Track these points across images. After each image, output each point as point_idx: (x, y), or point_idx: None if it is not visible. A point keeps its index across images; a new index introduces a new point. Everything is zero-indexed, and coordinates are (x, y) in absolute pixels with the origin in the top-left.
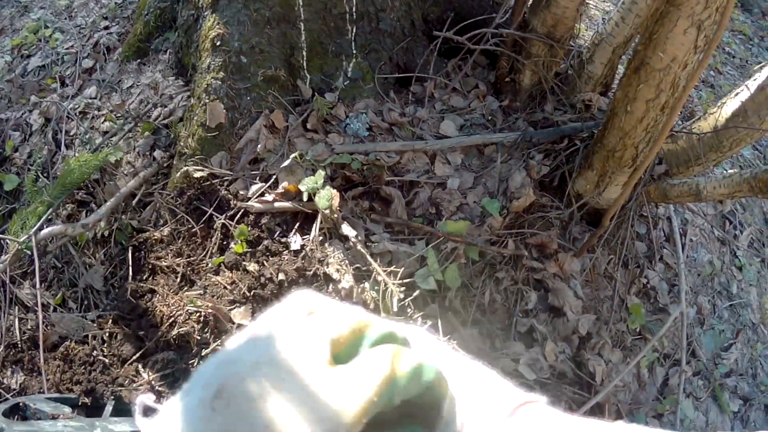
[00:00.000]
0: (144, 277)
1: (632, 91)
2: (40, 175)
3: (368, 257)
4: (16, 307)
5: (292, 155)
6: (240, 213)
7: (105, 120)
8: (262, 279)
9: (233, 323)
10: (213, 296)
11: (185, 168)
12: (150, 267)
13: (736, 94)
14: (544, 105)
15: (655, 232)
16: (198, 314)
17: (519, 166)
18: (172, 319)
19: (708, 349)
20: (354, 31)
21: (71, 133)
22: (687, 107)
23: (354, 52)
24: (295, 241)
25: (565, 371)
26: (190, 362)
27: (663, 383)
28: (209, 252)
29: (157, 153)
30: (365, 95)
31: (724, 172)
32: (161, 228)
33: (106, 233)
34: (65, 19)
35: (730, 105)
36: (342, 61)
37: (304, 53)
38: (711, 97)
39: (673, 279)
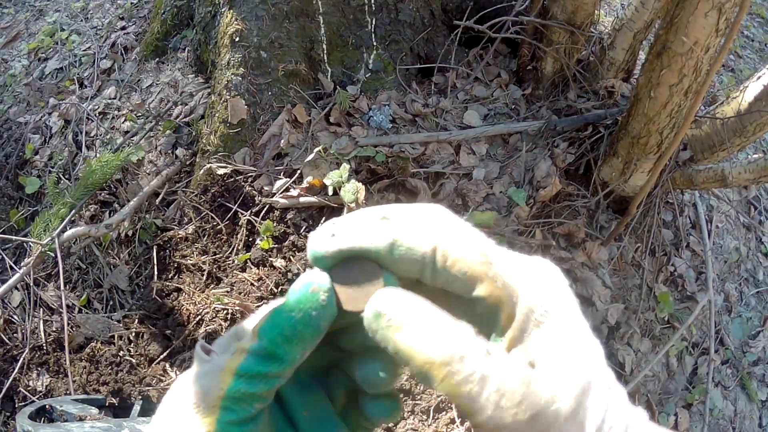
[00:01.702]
0: (169, 276)
1: (655, 76)
2: (61, 177)
3: None
4: (41, 310)
5: (316, 149)
6: (265, 209)
7: (125, 120)
8: (289, 275)
9: None
10: (240, 293)
11: (208, 165)
12: (175, 265)
13: (758, 78)
14: (567, 92)
15: (681, 219)
16: (225, 312)
17: (544, 154)
18: (199, 317)
19: (736, 337)
20: (373, 22)
21: (92, 134)
22: (709, 92)
23: (374, 43)
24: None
25: None
26: None
27: (692, 372)
28: (235, 249)
29: (179, 151)
30: (387, 87)
31: (749, 157)
32: (186, 226)
33: (130, 233)
34: (81, 21)
35: (753, 89)
36: (362, 53)
37: (324, 46)
38: (732, 81)
39: (700, 266)
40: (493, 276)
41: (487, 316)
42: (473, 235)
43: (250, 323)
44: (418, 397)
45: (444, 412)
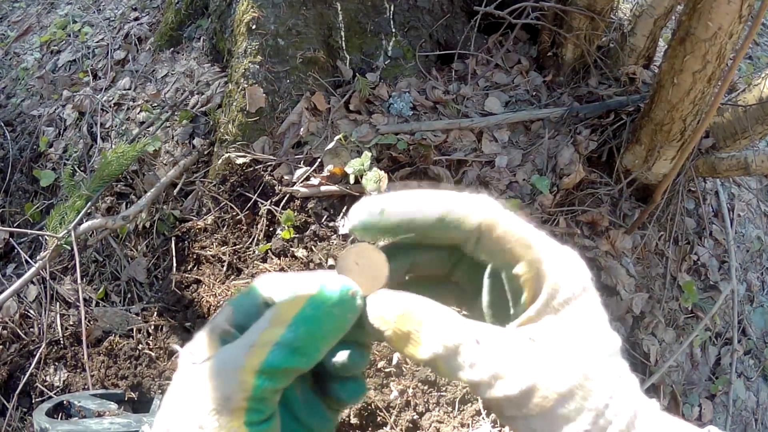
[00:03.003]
0: (188, 268)
1: (678, 62)
2: (76, 169)
3: None
4: (58, 303)
5: (336, 137)
6: (285, 198)
7: (141, 110)
8: (311, 265)
9: None
10: None
11: (227, 154)
12: (194, 257)
13: None
14: (588, 79)
15: (703, 208)
16: None
17: (567, 141)
18: (220, 309)
19: (758, 327)
20: (392, 9)
21: (107, 126)
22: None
23: (393, 30)
24: (344, 224)
25: None
26: None
27: (715, 363)
28: (255, 239)
29: (196, 141)
30: (407, 74)
31: None
32: (204, 217)
33: (148, 224)
34: (93, 12)
35: None
36: (381, 40)
37: (342, 33)
38: (750, 68)
39: (723, 255)
40: (531, 259)
41: (513, 291)
42: (516, 219)
43: (223, 317)
44: (443, 388)
45: (469, 404)
